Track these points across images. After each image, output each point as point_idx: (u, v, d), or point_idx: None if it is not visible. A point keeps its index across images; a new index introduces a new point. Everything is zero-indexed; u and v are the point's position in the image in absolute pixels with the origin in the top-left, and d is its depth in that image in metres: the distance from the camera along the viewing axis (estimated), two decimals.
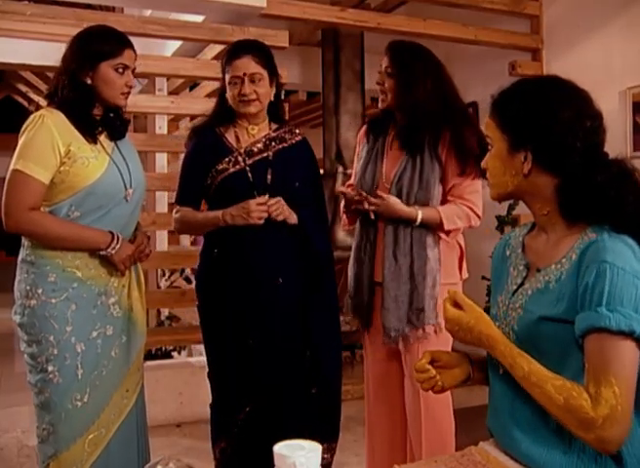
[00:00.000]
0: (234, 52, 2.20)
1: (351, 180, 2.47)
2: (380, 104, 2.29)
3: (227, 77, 2.19)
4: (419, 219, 2.16)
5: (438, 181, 2.21)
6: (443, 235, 2.22)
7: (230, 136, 2.24)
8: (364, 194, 2.21)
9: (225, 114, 2.25)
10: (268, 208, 2.10)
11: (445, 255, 2.23)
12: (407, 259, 2.19)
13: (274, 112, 2.30)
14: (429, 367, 1.36)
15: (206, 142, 2.24)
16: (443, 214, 2.17)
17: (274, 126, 2.30)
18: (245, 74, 2.15)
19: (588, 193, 1.25)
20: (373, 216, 2.22)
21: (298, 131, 2.35)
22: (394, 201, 2.17)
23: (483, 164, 1.39)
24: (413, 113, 2.19)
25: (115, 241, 1.92)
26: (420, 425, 2.21)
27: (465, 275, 2.32)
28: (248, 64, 2.16)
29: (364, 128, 2.45)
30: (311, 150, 2.35)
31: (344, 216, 2.42)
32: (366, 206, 2.20)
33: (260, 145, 2.23)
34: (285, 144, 2.26)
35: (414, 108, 2.19)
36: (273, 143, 2.24)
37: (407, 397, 2.27)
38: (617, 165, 1.28)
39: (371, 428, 2.41)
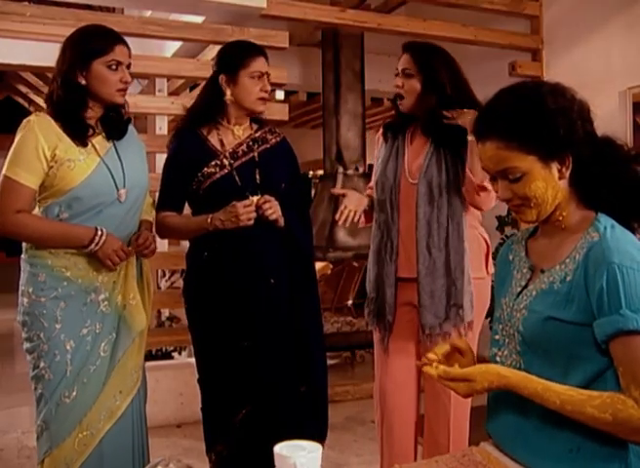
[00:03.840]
0: (251, 50, 2.22)
1: (372, 184, 2.43)
2: (401, 107, 2.23)
3: (245, 72, 2.17)
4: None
5: (462, 173, 2.15)
6: (478, 199, 2.10)
7: (214, 139, 2.22)
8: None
9: (212, 112, 2.23)
10: (260, 207, 2.09)
11: (471, 249, 2.20)
12: (442, 253, 2.15)
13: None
14: (435, 357, 1.34)
15: (189, 146, 2.21)
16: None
17: (255, 126, 2.30)
18: (267, 73, 2.19)
19: (609, 177, 1.28)
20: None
21: (278, 131, 2.35)
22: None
23: (507, 195, 1.31)
24: (437, 100, 2.15)
25: (98, 237, 1.91)
26: (448, 424, 2.21)
27: (492, 269, 2.27)
28: (265, 64, 2.21)
29: (380, 132, 2.41)
30: (292, 150, 2.35)
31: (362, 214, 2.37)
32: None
33: (244, 147, 2.22)
34: (268, 145, 2.27)
35: (437, 94, 2.15)
36: (257, 144, 2.24)
37: (430, 397, 2.25)
38: (620, 146, 1.32)
39: (390, 434, 2.34)
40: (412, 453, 2.33)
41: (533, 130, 1.25)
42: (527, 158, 1.26)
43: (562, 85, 1.31)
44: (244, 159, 2.20)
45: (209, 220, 2.11)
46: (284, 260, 2.20)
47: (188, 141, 2.23)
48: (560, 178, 1.29)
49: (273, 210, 2.11)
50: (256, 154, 2.22)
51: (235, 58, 2.20)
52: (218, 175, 2.16)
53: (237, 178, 2.16)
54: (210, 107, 2.24)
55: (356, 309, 5.11)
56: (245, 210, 2.07)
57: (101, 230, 1.92)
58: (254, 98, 2.19)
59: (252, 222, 2.09)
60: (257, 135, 2.27)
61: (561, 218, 1.32)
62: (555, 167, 1.28)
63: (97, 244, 1.91)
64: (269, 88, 2.21)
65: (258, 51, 2.23)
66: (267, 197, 2.11)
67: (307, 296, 2.27)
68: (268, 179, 2.19)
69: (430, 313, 2.16)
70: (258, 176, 2.18)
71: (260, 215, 2.10)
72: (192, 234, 2.22)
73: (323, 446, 2.27)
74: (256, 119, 2.30)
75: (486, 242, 2.28)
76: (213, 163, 2.17)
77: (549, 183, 1.28)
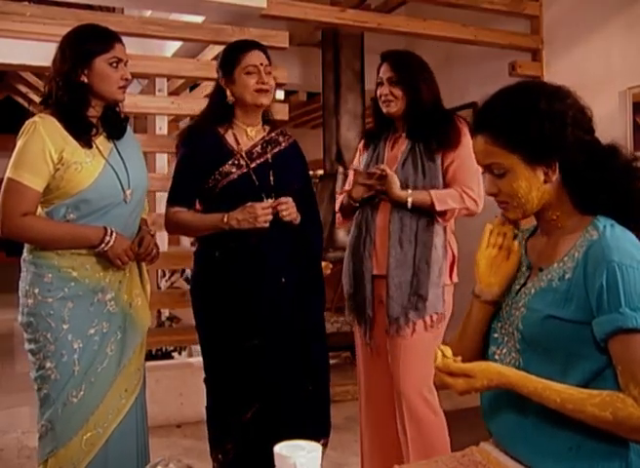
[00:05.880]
0: (244, 46, 2.23)
1: (346, 187, 2.49)
2: (385, 109, 2.33)
3: (239, 69, 2.18)
4: (409, 202, 2.20)
5: (441, 173, 2.26)
6: (440, 219, 2.25)
7: (230, 138, 2.23)
8: (373, 170, 2.25)
9: (222, 115, 2.24)
10: (277, 209, 2.11)
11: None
12: (412, 246, 2.23)
13: (265, 115, 2.31)
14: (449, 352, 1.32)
15: (206, 143, 2.21)
16: (434, 195, 2.21)
17: (267, 128, 2.31)
18: (262, 65, 2.19)
19: (605, 186, 1.27)
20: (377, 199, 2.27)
21: (289, 133, 2.37)
22: (394, 180, 2.21)
23: (492, 190, 1.34)
24: (419, 114, 2.29)
25: (108, 236, 1.92)
26: (404, 426, 2.26)
27: (455, 279, 2.34)
28: (260, 56, 2.21)
29: (362, 142, 2.53)
30: (302, 152, 2.38)
31: (339, 215, 2.47)
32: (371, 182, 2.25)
33: (258, 148, 2.23)
34: (281, 147, 2.28)
35: (420, 111, 2.28)
36: (270, 146, 2.25)
37: (395, 390, 2.30)
38: (622, 155, 1.30)
39: (363, 429, 2.45)
40: (395, 448, 2.35)
41: (519, 130, 1.26)
42: (511, 156, 1.28)
43: (565, 89, 1.30)
44: (259, 160, 2.21)
45: (225, 219, 2.10)
46: (294, 260, 2.21)
47: (205, 139, 2.22)
48: (546, 182, 1.29)
49: (289, 212, 2.12)
50: (269, 156, 2.23)
51: (230, 57, 2.22)
52: (235, 175, 2.17)
53: (255, 179, 2.17)
54: (217, 111, 2.25)
55: None
56: (263, 211, 2.08)
57: (111, 230, 1.93)
58: (251, 91, 2.18)
59: (267, 224, 2.10)
60: (269, 137, 2.28)
61: (555, 218, 1.33)
62: (541, 170, 1.28)
63: (107, 244, 1.92)
64: (266, 79, 2.18)
65: (251, 46, 2.23)
66: (283, 199, 2.12)
67: (315, 296, 2.28)
68: (282, 182, 2.20)
69: (397, 304, 2.23)
70: (272, 178, 2.19)
71: (276, 216, 2.12)
72: (205, 231, 2.20)
73: (327, 443, 2.30)
74: (267, 121, 2.32)
75: (452, 252, 2.33)
76: (230, 162, 2.18)
77: (533, 185, 1.28)
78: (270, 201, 2.13)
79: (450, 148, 2.26)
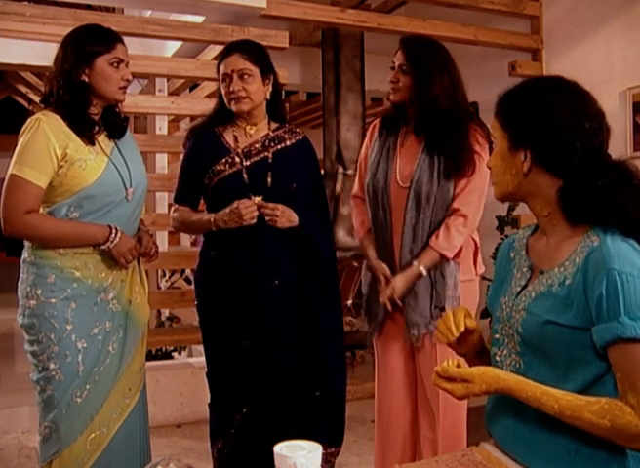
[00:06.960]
0: (224, 51, 2.22)
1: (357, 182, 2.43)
2: (391, 97, 2.22)
3: (220, 75, 2.20)
4: (423, 272, 2.13)
5: (452, 191, 2.16)
6: (457, 259, 2.18)
7: (229, 137, 2.24)
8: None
9: (224, 114, 2.25)
10: (260, 207, 2.10)
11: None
12: None
13: (274, 111, 2.29)
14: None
15: (204, 142, 2.23)
16: (437, 247, 2.13)
17: (274, 125, 2.28)
18: (233, 71, 2.15)
19: (590, 198, 1.25)
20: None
21: (298, 130, 2.34)
22: (398, 286, 2.14)
23: (487, 163, 1.41)
24: (429, 110, 2.15)
25: (114, 234, 1.92)
26: (436, 423, 2.21)
27: (482, 269, 2.30)
28: (236, 61, 2.16)
29: (376, 123, 2.38)
30: (312, 149, 2.34)
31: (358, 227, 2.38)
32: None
33: (258, 146, 2.22)
34: (284, 145, 2.25)
35: (430, 105, 2.14)
36: (272, 144, 2.23)
37: (421, 396, 2.26)
38: (618, 168, 1.27)
39: (383, 431, 2.36)
40: (409, 451, 2.32)
41: (511, 110, 1.32)
42: (501, 132, 1.34)
43: (586, 96, 1.30)
44: (256, 158, 2.20)
45: (212, 220, 2.13)
46: (291, 262, 2.19)
47: (204, 138, 2.25)
48: (522, 172, 1.30)
49: (271, 219, 2.11)
50: (270, 154, 2.21)
51: (216, 66, 2.23)
52: (227, 173, 2.18)
53: (246, 177, 2.17)
54: (218, 111, 2.27)
55: (356, 309, 5.10)
56: (247, 210, 2.09)
57: (115, 228, 1.93)
58: (228, 99, 2.19)
59: (254, 221, 2.10)
60: (273, 134, 2.26)
61: (547, 214, 1.32)
62: (519, 158, 1.30)
63: (112, 242, 1.92)
64: (236, 87, 2.14)
65: (228, 51, 2.20)
66: (271, 204, 2.11)
67: (325, 298, 2.24)
68: (279, 181, 2.19)
69: (416, 313, 2.18)
70: (269, 179, 2.18)
71: (263, 217, 2.11)
72: (200, 231, 2.29)
73: (338, 452, 2.26)
74: (277, 118, 2.30)
75: (475, 242, 2.28)
76: (224, 160, 2.19)
77: (509, 167, 1.32)
78: (255, 199, 2.11)
79: (463, 177, 2.15)
